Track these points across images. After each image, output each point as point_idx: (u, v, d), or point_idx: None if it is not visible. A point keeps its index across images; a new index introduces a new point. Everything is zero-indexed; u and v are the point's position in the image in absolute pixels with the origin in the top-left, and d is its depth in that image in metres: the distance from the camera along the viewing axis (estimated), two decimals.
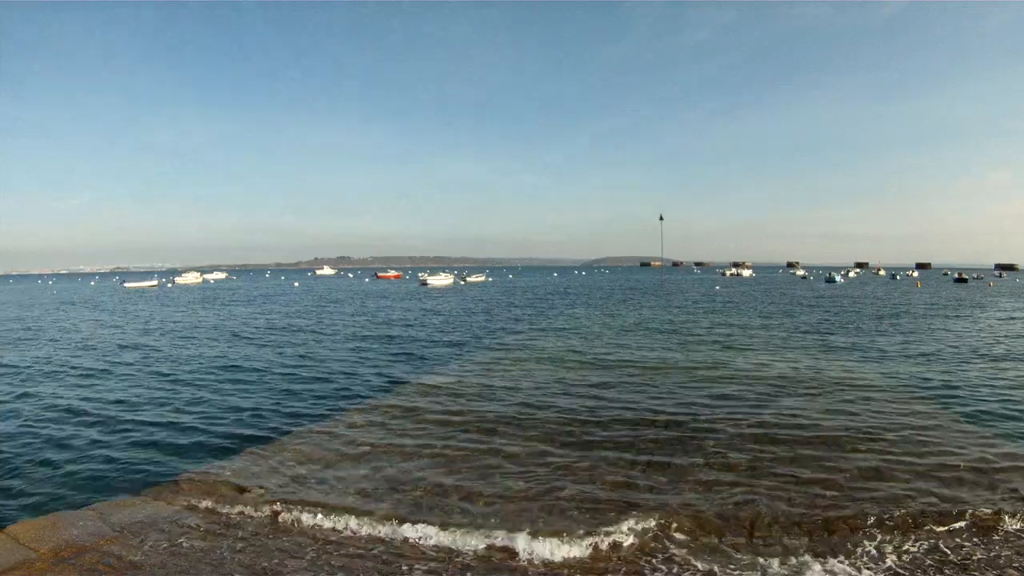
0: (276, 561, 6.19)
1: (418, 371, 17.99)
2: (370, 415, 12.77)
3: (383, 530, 7.06)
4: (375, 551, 6.65)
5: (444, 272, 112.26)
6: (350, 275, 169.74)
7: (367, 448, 10.47)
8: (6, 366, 20.51)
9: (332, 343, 25.14)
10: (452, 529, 7.07)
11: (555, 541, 6.74)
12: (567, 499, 8.22)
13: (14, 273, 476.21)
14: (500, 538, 6.83)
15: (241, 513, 7.46)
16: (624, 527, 7.14)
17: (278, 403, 14.26)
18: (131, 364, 20.78)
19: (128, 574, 5.51)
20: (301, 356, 21.45)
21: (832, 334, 27.20)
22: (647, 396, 14.50)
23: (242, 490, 8.31)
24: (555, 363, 18.96)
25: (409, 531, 7.02)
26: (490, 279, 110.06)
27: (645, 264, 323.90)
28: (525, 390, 15.07)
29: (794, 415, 12.57)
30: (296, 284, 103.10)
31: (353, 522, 7.33)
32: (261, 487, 8.42)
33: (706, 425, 11.95)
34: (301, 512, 7.57)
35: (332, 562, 6.31)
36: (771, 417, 12.45)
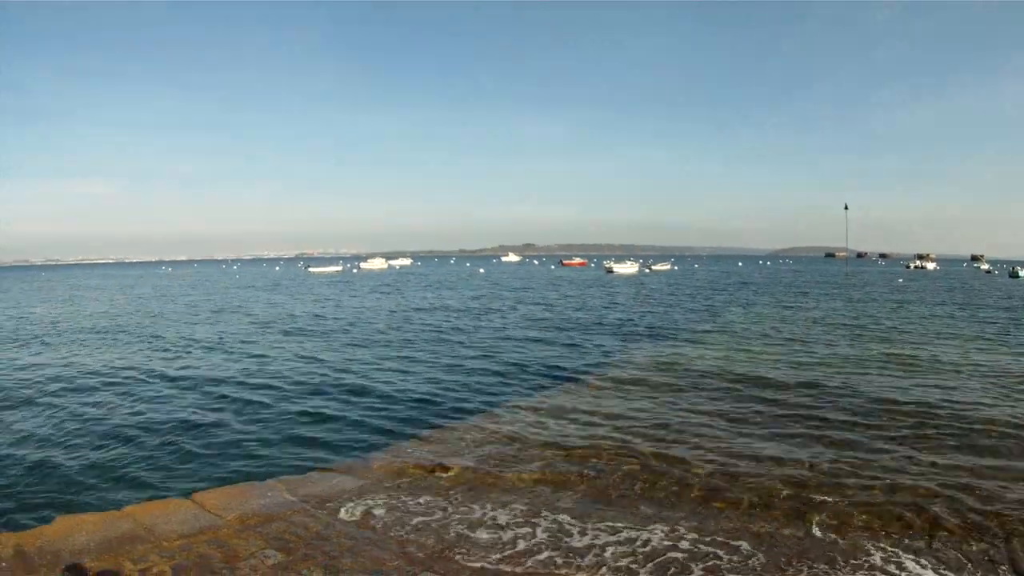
0: (461, 536, 5.82)
1: (606, 360, 17.07)
2: (550, 401, 12.17)
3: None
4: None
5: (630, 260, 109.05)
6: (535, 262, 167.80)
7: (548, 433, 9.92)
8: (201, 343, 21.87)
9: (515, 329, 24.70)
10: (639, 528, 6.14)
11: None
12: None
13: (198, 259, 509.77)
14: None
15: (425, 490, 7.18)
16: None
17: (463, 385, 14.05)
18: (316, 343, 21.44)
19: (313, 544, 5.30)
20: (487, 340, 21.16)
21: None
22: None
23: (428, 469, 8.01)
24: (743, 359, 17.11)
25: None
26: (675, 267, 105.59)
27: (830, 255, 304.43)
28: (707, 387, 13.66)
29: None
30: (481, 271, 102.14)
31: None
32: (446, 466, 8.09)
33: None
34: (484, 491, 7.15)
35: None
36: None
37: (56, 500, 7.53)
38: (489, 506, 6.56)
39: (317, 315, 31.83)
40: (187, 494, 6.62)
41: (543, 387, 13.78)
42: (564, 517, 6.29)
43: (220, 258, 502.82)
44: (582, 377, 14.67)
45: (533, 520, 6.19)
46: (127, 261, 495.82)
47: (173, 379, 15.62)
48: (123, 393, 14.12)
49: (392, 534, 5.69)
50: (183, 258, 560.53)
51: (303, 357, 18.59)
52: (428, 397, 12.99)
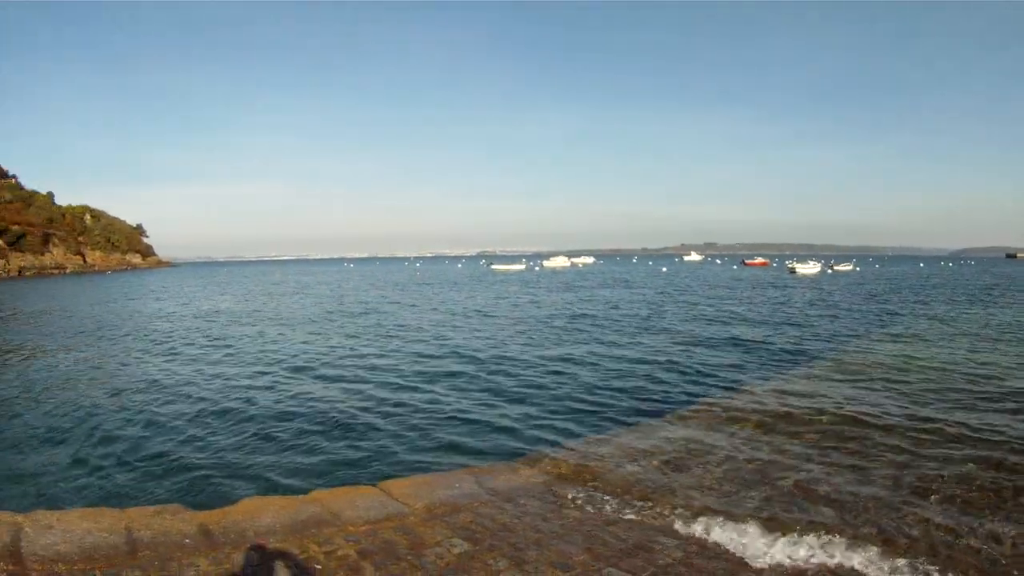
0: (646, 535, 5.54)
1: (778, 371, 15.44)
2: (731, 410, 11.04)
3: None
4: None
5: (812, 260, 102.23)
6: (717, 261, 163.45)
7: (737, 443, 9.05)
8: (397, 335, 22.82)
9: (704, 330, 23.36)
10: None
11: None
12: None
13: (380, 256, 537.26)
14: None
15: (612, 487, 6.89)
16: None
17: (654, 386, 13.45)
18: (508, 335, 21.67)
19: (500, 535, 5.21)
20: (682, 342, 20.16)
21: None
22: None
23: (613, 467, 7.69)
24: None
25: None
26: (857, 268, 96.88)
27: (1011, 255, 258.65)
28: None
29: None
30: (664, 270, 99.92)
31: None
32: (630, 466, 7.73)
33: None
34: (670, 493, 6.71)
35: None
36: None
37: (241, 482, 7.90)
38: (676, 508, 6.17)
39: (515, 305, 32.53)
40: (373, 482, 6.62)
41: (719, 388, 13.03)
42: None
43: (401, 255, 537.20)
44: (755, 383, 13.50)
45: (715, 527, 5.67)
46: (309, 258, 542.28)
47: (362, 368, 16.33)
48: (316, 378, 15.08)
49: (578, 529, 5.52)
50: (364, 255, 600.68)
51: (489, 349, 18.85)
52: (615, 395, 12.56)
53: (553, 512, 5.95)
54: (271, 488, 7.30)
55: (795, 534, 5.42)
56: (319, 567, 4.48)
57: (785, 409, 10.72)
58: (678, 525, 5.76)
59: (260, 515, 5.15)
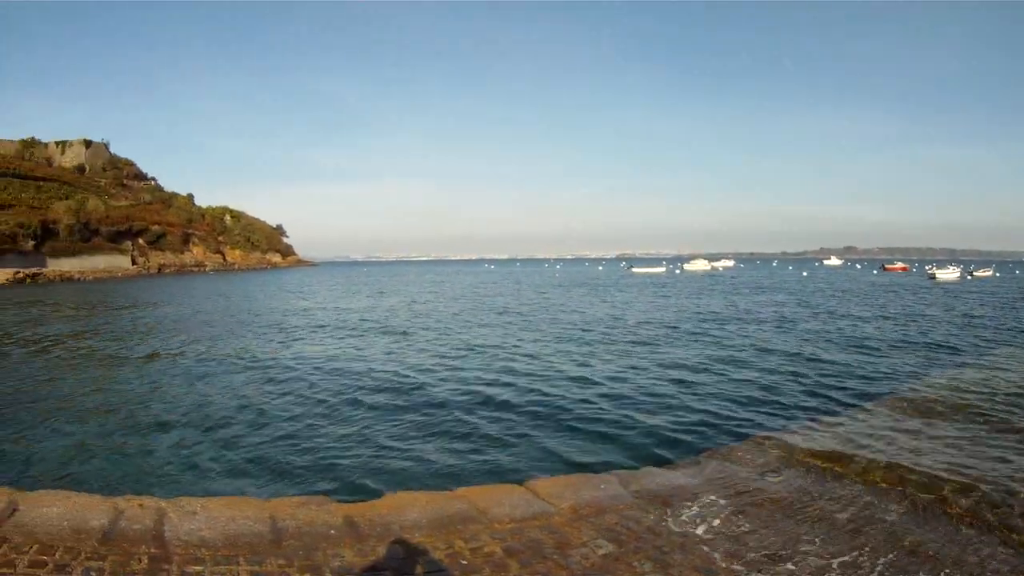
0: (790, 544, 5.23)
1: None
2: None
3: None
4: None
5: (951, 266, 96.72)
6: (857, 266, 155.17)
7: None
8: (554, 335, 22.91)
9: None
10: None
11: None
12: None
13: (520, 257, 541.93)
14: None
15: (759, 495, 6.50)
16: None
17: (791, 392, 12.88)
18: (658, 339, 21.32)
19: (645, 538, 5.05)
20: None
21: None
22: None
23: (763, 473, 7.29)
24: None
25: None
26: (997, 273, 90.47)
27: None
28: None
29: None
30: (805, 274, 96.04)
31: None
32: (779, 471, 7.39)
33: None
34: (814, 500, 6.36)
35: None
36: None
37: (385, 476, 7.98)
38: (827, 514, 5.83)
39: (658, 307, 31.98)
40: (519, 481, 6.52)
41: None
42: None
43: (541, 257, 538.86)
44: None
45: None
46: (448, 259, 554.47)
47: (507, 365, 16.54)
48: (461, 375, 15.23)
49: (724, 536, 5.30)
50: (504, 256, 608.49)
51: (642, 351, 18.65)
52: (762, 399, 12.26)
53: (699, 517, 5.76)
54: (415, 482, 7.34)
55: None
56: (465, 563, 4.41)
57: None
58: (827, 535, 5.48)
59: (406, 509, 5.04)
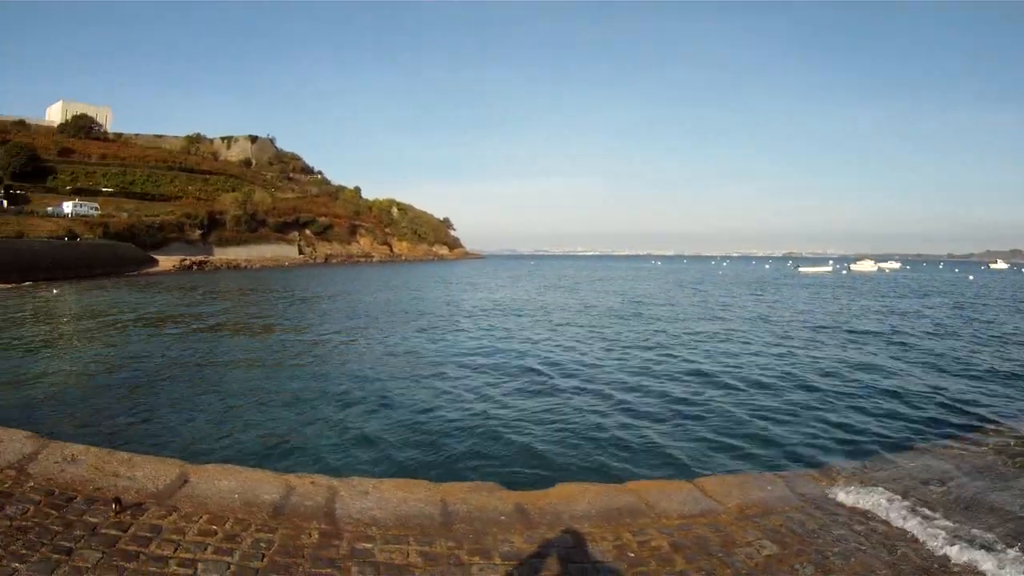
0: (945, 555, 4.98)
1: None
2: None
3: None
4: None
5: None
6: (1023, 270, 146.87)
7: None
8: (696, 334, 22.86)
9: None
10: None
11: None
12: None
13: (687, 255, 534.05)
14: None
15: (921, 501, 6.23)
16: None
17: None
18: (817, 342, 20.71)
19: (807, 540, 4.98)
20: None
21: None
22: None
23: (924, 481, 6.93)
24: None
25: None
26: None
27: None
28: None
29: None
30: (971, 278, 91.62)
31: None
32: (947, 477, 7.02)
33: None
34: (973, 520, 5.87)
35: None
36: None
37: (557, 467, 7.99)
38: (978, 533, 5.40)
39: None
40: (688, 477, 6.43)
41: None
42: None
43: (708, 254, 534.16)
44: None
45: None
46: (614, 255, 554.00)
47: (687, 364, 16.50)
48: (628, 370, 15.45)
49: (883, 543, 5.13)
50: (670, 253, 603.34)
51: (812, 353, 18.45)
52: (948, 404, 11.97)
53: (860, 523, 5.54)
54: (583, 473, 7.36)
55: None
56: (632, 555, 4.37)
57: None
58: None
59: (576, 500, 5.02)
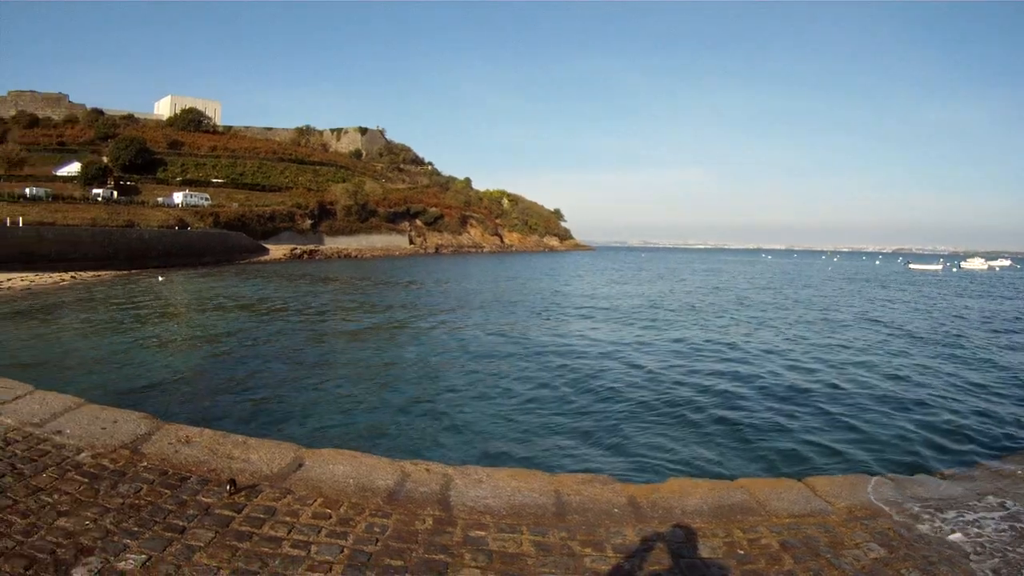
0: None
1: None
2: None
3: None
4: None
5: None
6: None
7: None
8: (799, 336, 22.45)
9: None
10: None
11: None
12: None
13: (798, 248, 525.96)
14: None
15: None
16: None
17: None
18: (923, 344, 20.52)
19: (914, 545, 4.89)
20: None
21: None
22: None
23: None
24: None
25: None
26: None
27: None
28: None
29: None
30: None
31: None
32: None
33: None
34: None
35: None
36: None
37: (670, 462, 8.02)
38: None
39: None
40: (798, 476, 6.37)
41: None
42: None
43: (818, 248, 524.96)
44: None
45: None
46: (725, 248, 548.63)
47: (808, 363, 16.53)
48: (744, 368, 15.55)
49: (991, 551, 4.98)
50: (781, 247, 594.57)
51: (924, 353, 18.33)
52: None
53: (967, 529, 5.35)
54: (692, 469, 7.39)
55: None
56: (741, 552, 4.39)
57: None
58: None
59: (688, 495, 5.05)
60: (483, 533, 4.38)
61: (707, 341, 18.86)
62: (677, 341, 19.01)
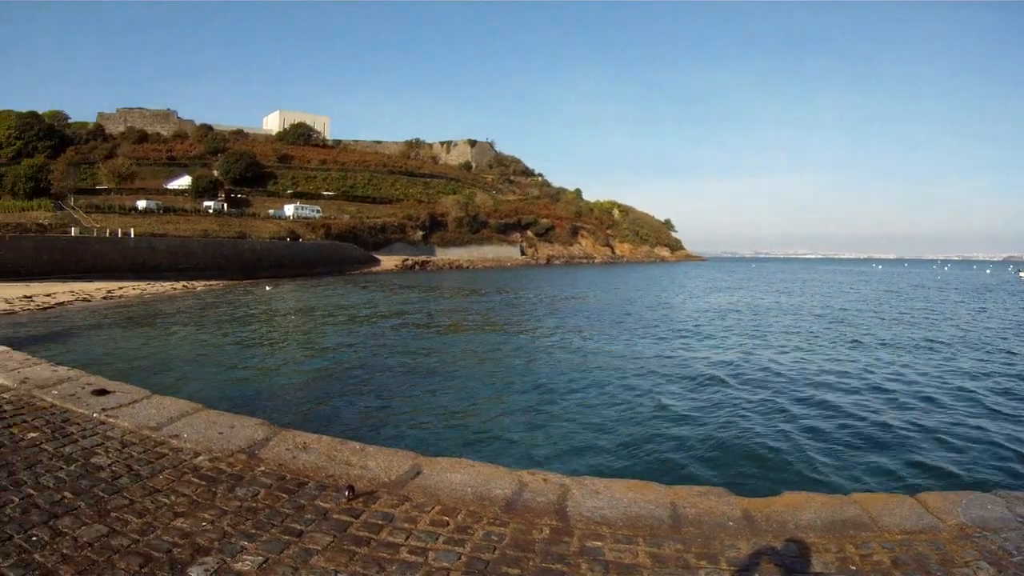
0: None
1: None
2: None
3: None
4: None
5: None
6: None
7: None
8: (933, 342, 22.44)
9: None
10: None
11: None
12: None
13: (908, 258, 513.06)
14: None
15: None
16: None
17: None
18: None
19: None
20: None
21: None
22: None
23: None
24: None
25: None
26: None
27: None
28: None
29: None
30: None
31: None
32: None
33: None
34: None
35: None
36: None
37: (782, 475, 8.09)
38: None
39: None
40: (910, 492, 6.34)
41: None
42: None
43: (928, 258, 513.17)
44: None
45: None
46: (836, 257, 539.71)
47: (940, 377, 16.44)
48: (857, 382, 15.58)
49: None
50: (891, 256, 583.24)
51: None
52: None
53: None
54: (805, 483, 7.44)
55: None
56: (853, 568, 4.39)
57: None
58: None
59: (802, 509, 5.12)
60: (599, 544, 4.50)
61: (823, 354, 18.59)
62: (795, 352, 18.81)
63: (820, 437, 10.13)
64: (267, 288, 46.26)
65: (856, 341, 22.56)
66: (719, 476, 7.94)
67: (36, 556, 3.86)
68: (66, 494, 4.77)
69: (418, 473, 5.54)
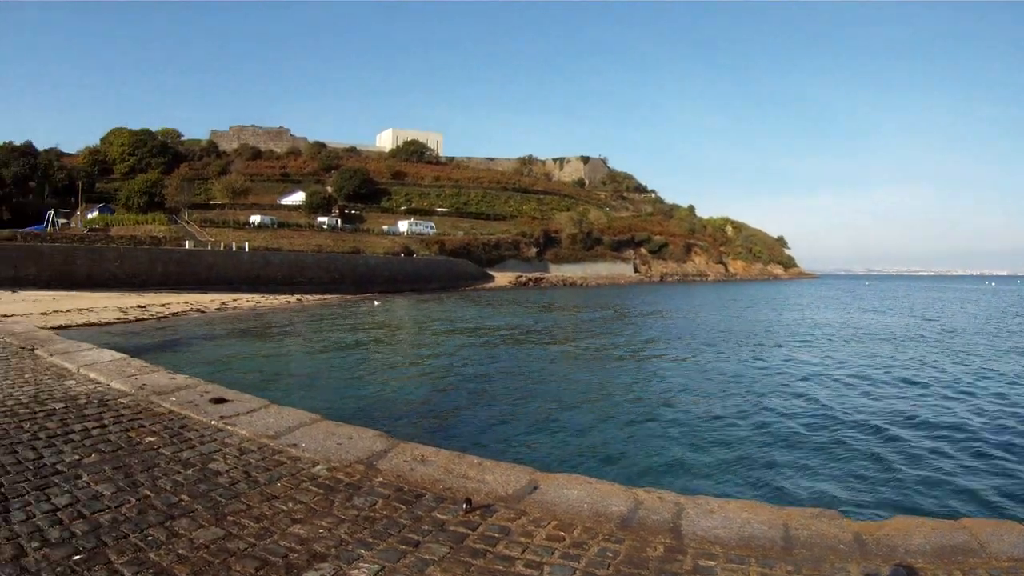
0: None
1: None
2: None
3: None
4: None
5: None
6: None
7: None
8: None
9: None
10: None
11: None
12: None
13: (1020, 273, 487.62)
14: None
15: None
16: None
17: None
18: None
19: None
20: None
21: None
22: None
23: None
24: None
25: None
26: None
27: None
28: None
29: None
30: None
31: None
32: None
33: None
34: None
35: None
36: None
37: (892, 498, 8.20)
38: None
39: None
40: (1021, 519, 6.33)
41: None
42: None
43: None
44: None
45: None
46: (948, 274, 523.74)
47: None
48: (970, 406, 15.61)
49: None
50: (1004, 272, 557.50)
51: None
52: None
53: None
54: (908, 507, 7.53)
55: None
56: None
57: None
58: None
59: (912, 534, 5.20)
60: (712, 563, 4.66)
61: (953, 380, 18.12)
62: (905, 375, 18.45)
63: (923, 457, 10.04)
64: (375, 303, 47.42)
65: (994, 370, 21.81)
66: (831, 498, 8.05)
67: (151, 555, 4.03)
68: (183, 497, 5.01)
69: (535, 488, 5.89)
